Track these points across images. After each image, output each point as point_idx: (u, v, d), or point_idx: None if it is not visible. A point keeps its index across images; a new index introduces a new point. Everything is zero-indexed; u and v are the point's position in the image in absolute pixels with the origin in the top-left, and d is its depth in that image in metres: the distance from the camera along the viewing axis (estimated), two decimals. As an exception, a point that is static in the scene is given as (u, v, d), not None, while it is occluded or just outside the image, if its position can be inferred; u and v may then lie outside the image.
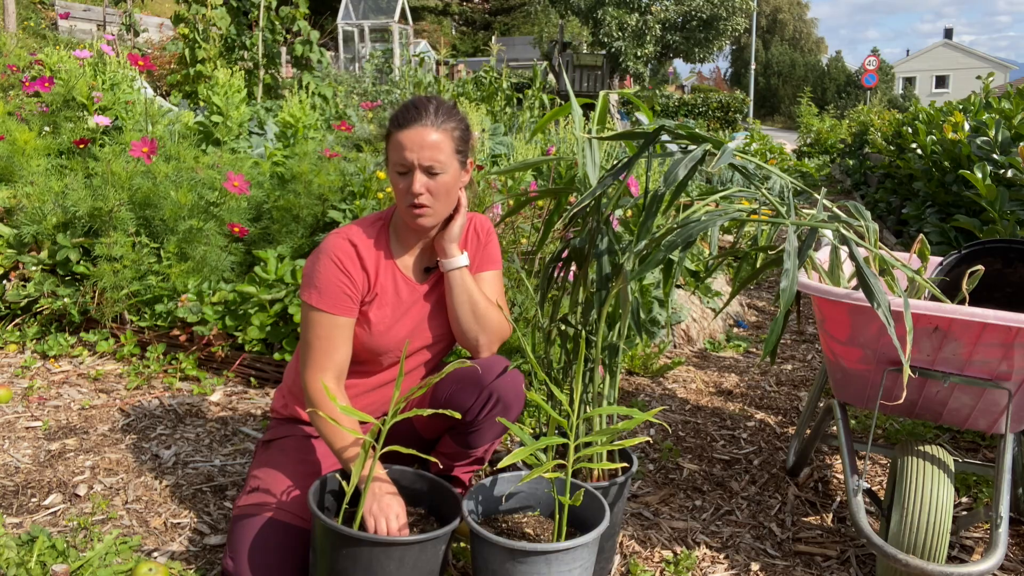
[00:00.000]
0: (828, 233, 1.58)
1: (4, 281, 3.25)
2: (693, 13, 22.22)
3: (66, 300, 3.14)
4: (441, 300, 1.83)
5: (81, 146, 3.62)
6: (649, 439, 2.04)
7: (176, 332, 3.00)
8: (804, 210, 1.75)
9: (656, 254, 1.56)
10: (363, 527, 1.51)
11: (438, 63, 15.52)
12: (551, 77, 19.37)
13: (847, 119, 14.52)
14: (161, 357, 3.00)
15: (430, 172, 1.65)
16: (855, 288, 1.74)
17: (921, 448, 1.77)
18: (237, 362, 2.94)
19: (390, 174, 1.69)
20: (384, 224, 1.79)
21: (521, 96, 8.10)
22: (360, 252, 1.72)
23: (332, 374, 1.69)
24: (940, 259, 2.16)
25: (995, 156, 3.81)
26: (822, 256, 2.04)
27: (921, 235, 2.11)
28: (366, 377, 1.84)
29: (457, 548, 1.87)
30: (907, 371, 1.43)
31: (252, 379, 2.93)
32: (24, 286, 3.20)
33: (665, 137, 1.70)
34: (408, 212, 1.68)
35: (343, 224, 3.18)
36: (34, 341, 3.18)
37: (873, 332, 1.72)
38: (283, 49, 7.04)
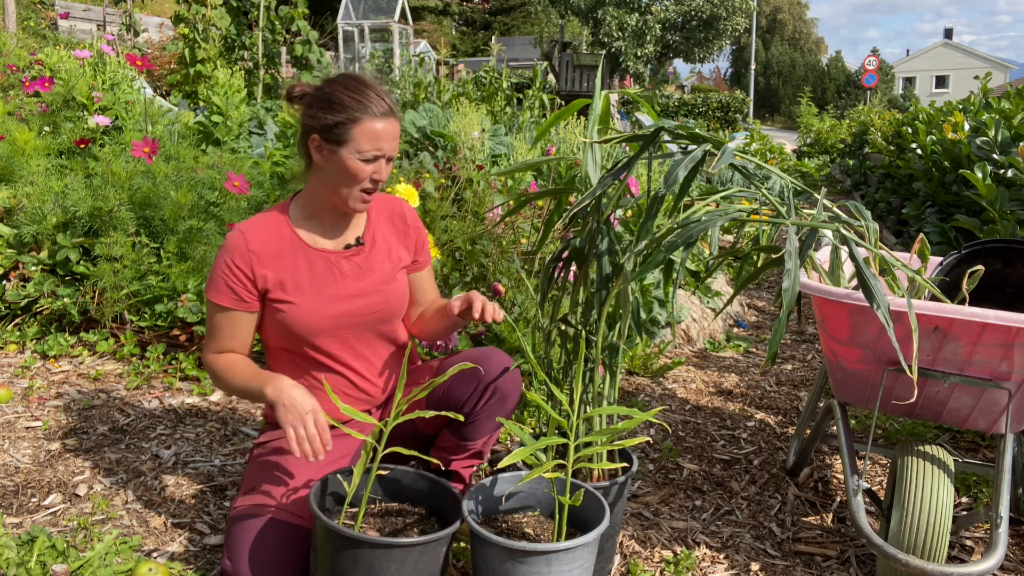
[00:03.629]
0: (828, 233, 1.58)
1: (4, 281, 3.25)
2: (693, 13, 22.22)
3: (66, 300, 3.14)
4: (369, 271, 1.82)
5: (81, 146, 3.62)
6: (649, 439, 2.04)
7: (176, 332, 3.00)
8: (804, 210, 1.75)
9: (656, 255, 1.56)
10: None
11: (438, 63, 15.52)
12: (551, 77, 19.37)
13: (847, 119, 14.52)
14: (161, 357, 3.00)
15: (389, 160, 1.72)
16: (855, 288, 1.74)
17: (921, 448, 1.78)
18: (237, 362, 2.94)
19: (347, 159, 1.67)
20: (283, 208, 1.80)
21: (521, 96, 8.10)
22: (249, 240, 1.73)
23: (213, 354, 1.79)
24: (940, 259, 2.16)
25: (995, 156, 3.81)
26: (822, 256, 2.04)
27: (921, 235, 2.11)
28: (334, 374, 1.83)
29: (457, 548, 1.87)
30: (915, 370, 1.43)
31: (252, 379, 2.93)
32: (24, 286, 3.20)
33: (665, 137, 1.70)
34: (359, 197, 1.72)
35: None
36: (34, 341, 3.18)
37: (873, 332, 1.72)
38: (283, 49, 7.03)
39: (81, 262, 3.20)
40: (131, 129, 3.76)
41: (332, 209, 1.78)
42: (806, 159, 13.92)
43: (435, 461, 1.80)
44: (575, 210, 1.67)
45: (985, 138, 3.96)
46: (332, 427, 1.84)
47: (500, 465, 1.50)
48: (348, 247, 1.82)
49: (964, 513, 2.11)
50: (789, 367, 3.52)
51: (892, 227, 6.03)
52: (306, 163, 1.76)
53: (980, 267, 1.89)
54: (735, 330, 4.08)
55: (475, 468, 1.96)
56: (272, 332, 1.79)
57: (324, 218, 1.79)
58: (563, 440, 1.57)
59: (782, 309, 1.43)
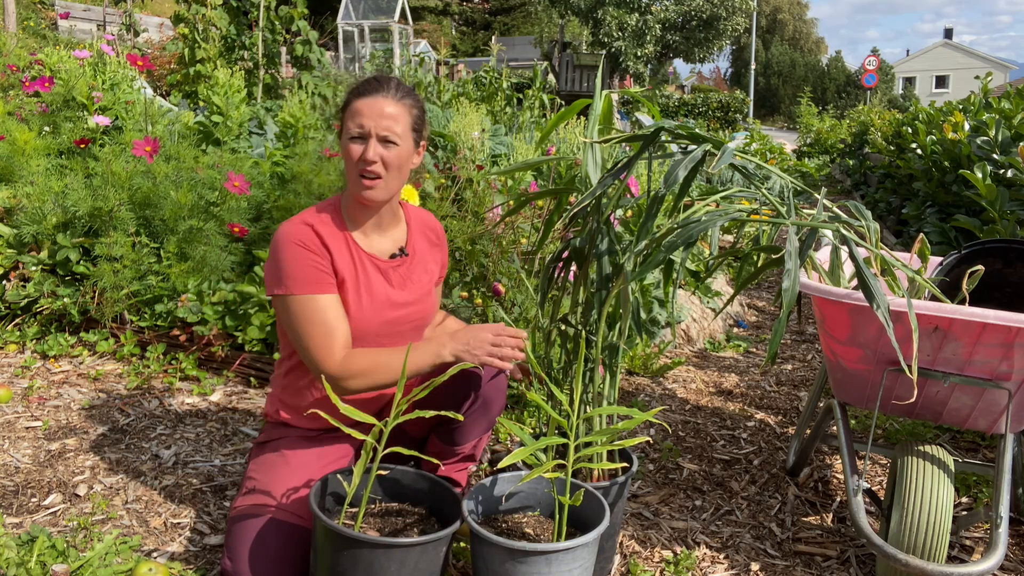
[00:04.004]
0: (828, 233, 1.58)
1: (4, 281, 3.25)
2: (693, 13, 22.21)
3: (66, 300, 3.14)
4: (411, 282, 1.82)
5: (81, 146, 3.62)
6: (649, 439, 2.04)
7: (176, 332, 2.99)
8: (804, 210, 1.75)
9: (657, 255, 1.56)
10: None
11: (438, 63, 15.51)
12: (551, 77, 19.37)
13: (847, 119, 14.52)
14: (161, 357, 3.00)
15: (385, 141, 1.66)
16: (855, 288, 1.74)
17: (921, 448, 1.78)
18: (237, 362, 2.94)
19: (343, 144, 1.68)
20: (335, 208, 1.77)
21: (521, 96, 8.10)
22: (319, 232, 1.69)
23: (341, 354, 1.66)
24: (940, 259, 2.16)
25: (995, 156, 3.81)
26: (822, 256, 2.04)
27: (921, 235, 2.11)
28: None
29: (457, 548, 1.87)
30: (915, 370, 1.43)
31: (252, 379, 2.93)
32: (24, 286, 3.20)
33: (665, 137, 1.70)
34: (358, 182, 1.67)
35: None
36: (34, 341, 3.18)
37: (873, 332, 1.72)
38: (283, 49, 7.03)
39: (81, 262, 3.20)
40: (131, 129, 3.76)
41: (360, 207, 1.75)
42: (806, 159, 13.92)
43: (435, 461, 1.80)
44: (575, 210, 1.67)
45: (985, 138, 3.96)
46: (333, 428, 1.84)
47: (500, 465, 1.50)
48: (394, 256, 1.81)
49: (964, 513, 2.11)
50: (789, 367, 3.52)
51: (892, 227, 6.03)
52: None
53: (980, 267, 1.89)
54: (735, 330, 4.08)
55: (469, 470, 1.96)
56: None
57: (361, 219, 1.77)
58: (563, 440, 1.57)
59: (782, 309, 1.43)
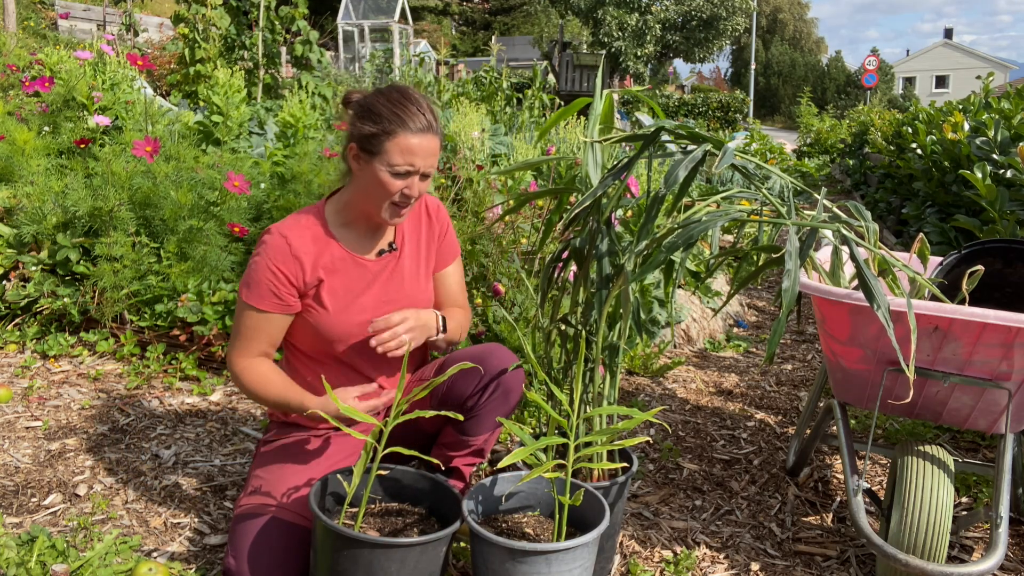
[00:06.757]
0: (828, 233, 1.58)
1: (4, 281, 3.25)
2: (693, 13, 22.22)
3: (66, 300, 3.14)
4: (398, 277, 1.84)
5: (81, 146, 3.62)
6: (649, 439, 2.04)
7: (176, 332, 3.00)
8: (804, 210, 1.75)
9: (657, 255, 1.56)
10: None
11: (438, 63, 15.50)
12: (551, 77, 19.37)
13: (847, 119, 14.52)
14: (161, 357, 3.00)
15: (425, 176, 1.71)
16: (855, 288, 1.74)
17: (921, 448, 1.78)
18: (237, 362, 2.94)
19: (377, 170, 1.67)
20: (319, 212, 1.79)
21: (521, 96, 8.10)
22: (292, 244, 1.72)
23: (254, 357, 1.77)
24: (940, 259, 2.16)
25: (995, 156, 3.81)
26: (823, 256, 2.04)
27: (921, 235, 2.11)
28: (354, 382, 1.84)
29: (457, 548, 1.87)
30: (912, 370, 1.43)
31: (252, 379, 2.93)
32: (24, 286, 3.20)
33: (666, 137, 1.70)
34: (391, 210, 1.71)
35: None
36: (34, 341, 3.18)
37: (873, 332, 1.72)
38: (283, 49, 7.03)
39: (81, 262, 3.20)
40: (131, 129, 3.76)
41: (367, 218, 1.78)
42: (806, 159, 13.92)
43: (436, 461, 1.80)
44: (576, 211, 1.67)
45: (985, 138, 3.96)
46: (335, 429, 1.85)
47: (500, 465, 1.50)
48: (382, 253, 1.82)
49: (964, 513, 2.11)
50: (789, 367, 3.52)
51: (892, 227, 6.03)
52: (346, 168, 1.76)
53: (980, 267, 1.89)
54: (735, 330, 4.08)
55: (475, 467, 1.96)
56: (300, 334, 1.80)
57: (360, 225, 1.80)
58: (563, 440, 1.57)
59: (782, 309, 1.43)
